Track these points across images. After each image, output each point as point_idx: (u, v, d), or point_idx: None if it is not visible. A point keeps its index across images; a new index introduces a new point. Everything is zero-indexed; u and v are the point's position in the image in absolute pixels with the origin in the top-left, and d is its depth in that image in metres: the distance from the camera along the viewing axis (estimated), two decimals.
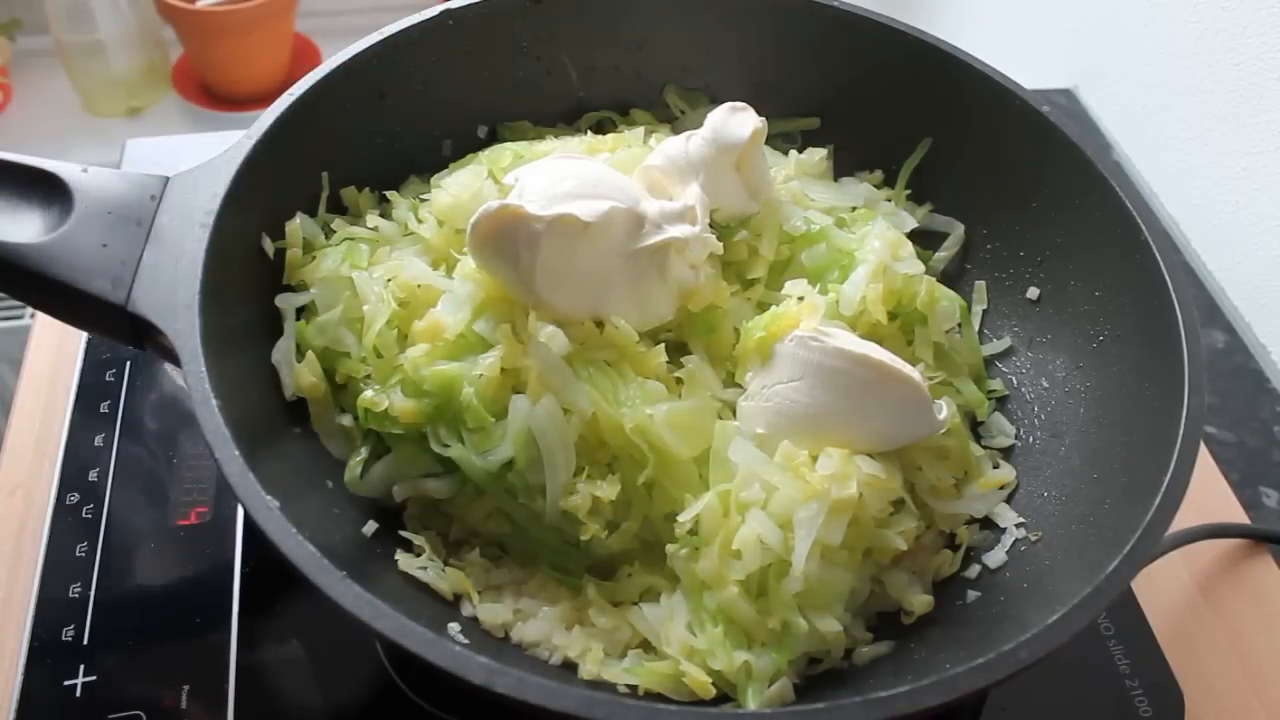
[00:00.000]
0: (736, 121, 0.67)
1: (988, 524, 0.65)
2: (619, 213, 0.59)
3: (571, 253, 0.59)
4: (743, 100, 0.70)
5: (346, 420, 0.63)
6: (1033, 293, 0.72)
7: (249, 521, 0.48)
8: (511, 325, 0.59)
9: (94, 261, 0.55)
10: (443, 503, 0.61)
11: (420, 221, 0.68)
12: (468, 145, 0.77)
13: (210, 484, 0.75)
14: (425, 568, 0.58)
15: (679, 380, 0.62)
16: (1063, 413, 0.66)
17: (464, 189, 0.67)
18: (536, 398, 0.57)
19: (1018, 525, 0.63)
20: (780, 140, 0.81)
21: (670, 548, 0.57)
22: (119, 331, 0.57)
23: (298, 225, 0.66)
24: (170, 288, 0.55)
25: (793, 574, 0.54)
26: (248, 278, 0.63)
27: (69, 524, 0.72)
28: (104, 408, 0.79)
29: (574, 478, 0.57)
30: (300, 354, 0.63)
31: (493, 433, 0.57)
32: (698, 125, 0.69)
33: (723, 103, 0.70)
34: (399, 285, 0.63)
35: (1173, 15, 1.11)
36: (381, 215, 0.70)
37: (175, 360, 0.52)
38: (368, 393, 0.60)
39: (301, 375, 0.62)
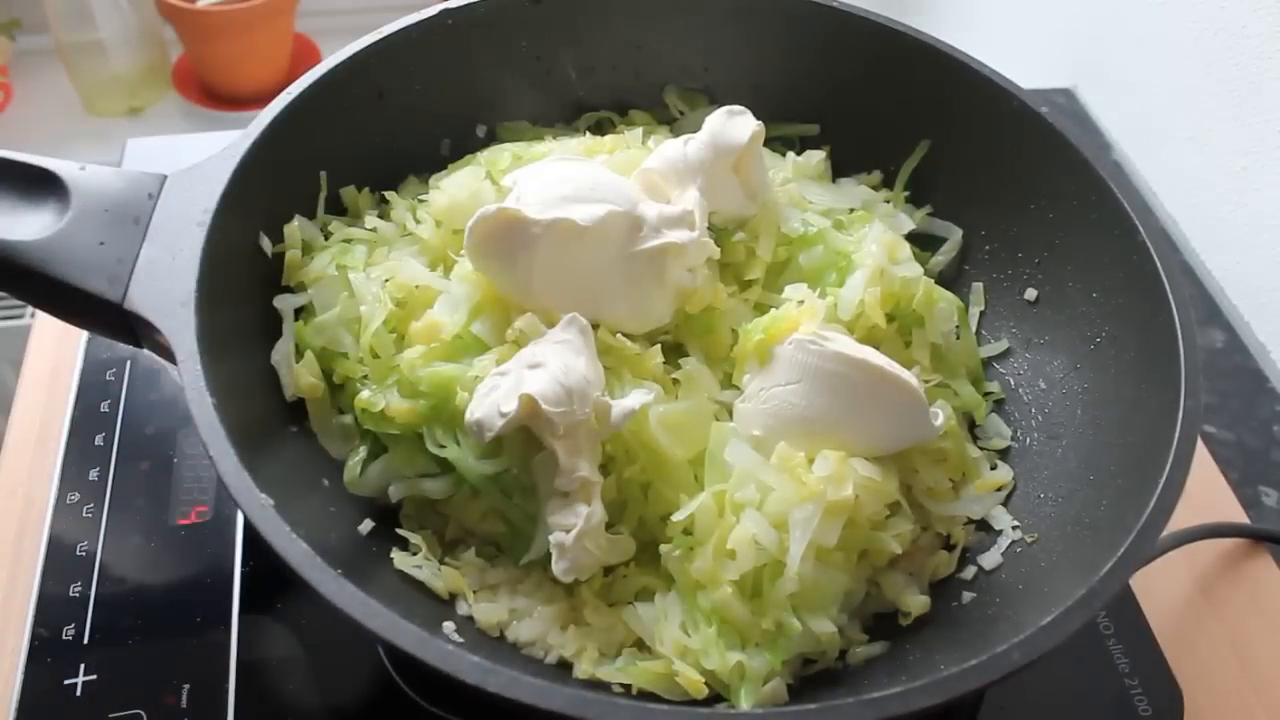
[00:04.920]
0: (735, 125, 0.67)
1: (984, 525, 0.65)
2: (616, 216, 0.59)
3: (569, 256, 0.59)
4: (742, 100, 0.70)
5: (346, 420, 0.63)
6: (1030, 294, 0.72)
7: (249, 520, 0.48)
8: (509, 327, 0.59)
9: (91, 259, 0.56)
10: (439, 502, 0.61)
11: (418, 222, 0.68)
12: (466, 145, 0.77)
13: (210, 483, 0.75)
14: (421, 566, 0.58)
15: (676, 381, 0.62)
16: (1060, 414, 0.66)
17: (462, 190, 0.68)
18: None
19: (1014, 527, 0.63)
20: (778, 142, 0.81)
21: (664, 548, 0.57)
22: (116, 329, 0.57)
23: (296, 227, 0.66)
24: (167, 286, 0.55)
25: (787, 575, 0.54)
26: (246, 277, 0.63)
27: (69, 524, 0.72)
28: (104, 407, 0.79)
29: None
30: (299, 354, 0.63)
31: None
32: (697, 126, 0.69)
33: (722, 103, 0.70)
34: (396, 286, 0.63)
35: (1173, 15, 1.10)
36: (380, 216, 0.71)
37: (172, 358, 0.52)
38: (364, 393, 0.60)
39: (300, 376, 0.62)
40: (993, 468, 0.67)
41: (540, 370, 0.54)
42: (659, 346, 0.62)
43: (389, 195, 0.73)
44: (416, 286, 0.64)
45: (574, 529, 0.54)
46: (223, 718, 0.63)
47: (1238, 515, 0.81)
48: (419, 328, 0.61)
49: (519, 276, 0.59)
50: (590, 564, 0.56)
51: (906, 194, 0.78)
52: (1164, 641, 0.71)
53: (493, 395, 0.54)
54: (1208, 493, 0.82)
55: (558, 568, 0.55)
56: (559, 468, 0.54)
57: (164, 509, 0.73)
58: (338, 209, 0.72)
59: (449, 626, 0.55)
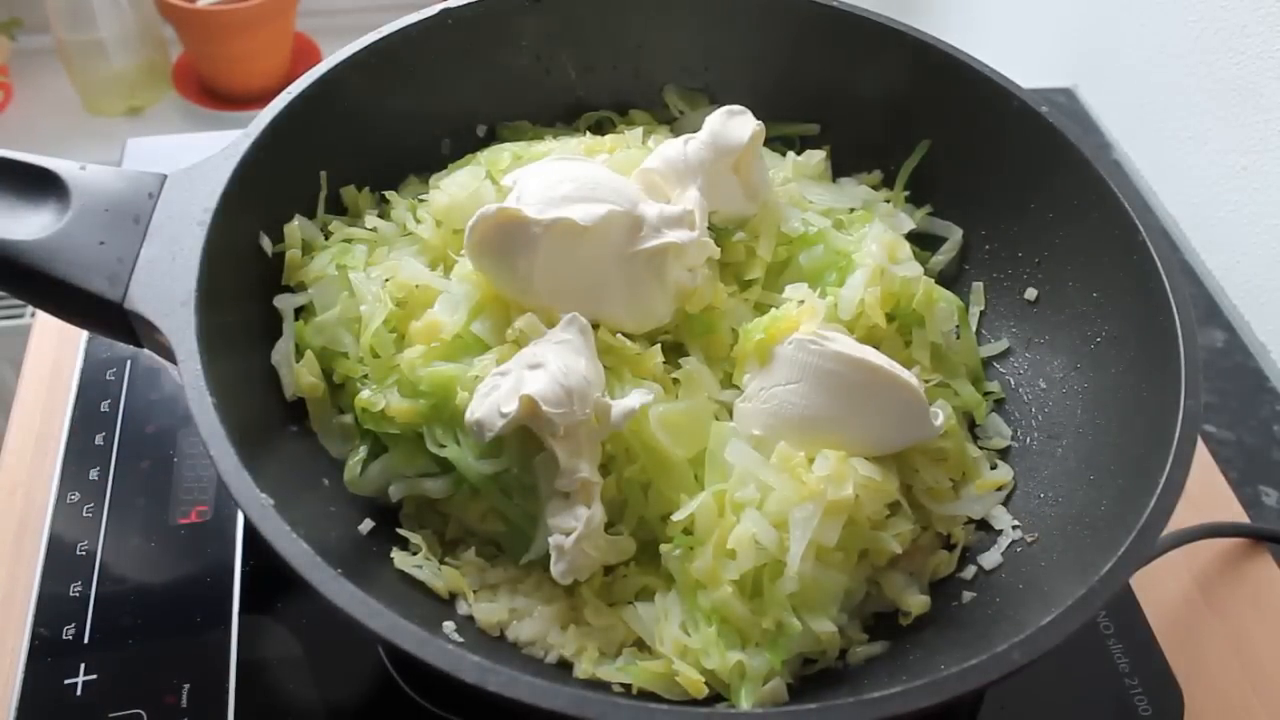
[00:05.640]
0: (735, 125, 0.67)
1: (984, 525, 0.65)
2: (617, 216, 0.59)
3: (569, 256, 0.59)
4: (742, 100, 0.70)
5: (346, 419, 0.63)
6: (1031, 293, 0.72)
7: (249, 520, 0.48)
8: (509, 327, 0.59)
9: (91, 259, 0.56)
10: (439, 502, 0.61)
11: (418, 222, 0.68)
12: (466, 144, 0.77)
13: (211, 482, 0.75)
14: (421, 566, 0.58)
15: (676, 381, 0.62)
16: (1060, 414, 0.66)
17: (462, 190, 0.68)
18: None
19: (1014, 527, 0.63)
20: (778, 142, 0.81)
21: (665, 547, 0.57)
22: (116, 329, 0.57)
23: (296, 226, 0.66)
24: (167, 285, 0.55)
25: (787, 574, 0.54)
26: (246, 276, 0.63)
27: (69, 523, 0.72)
28: (104, 407, 0.79)
29: None
30: (299, 354, 0.63)
31: None
32: (697, 126, 0.69)
33: (722, 103, 0.70)
34: (396, 285, 0.63)
35: (1173, 15, 1.10)
36: (380, 215, 0.71)
37: (172, 358, 0.52)
38: (364, 393, 0.60)
39: (301, 375, 0.62)
40: (993, 467, 0.67)
41: (540, 371, 0.54)
42: (659, 346, 0.62)
43: (389, 195, 0.73)
44: (417, 286, 0.63)
45: (574, 532, 0.54)
46: (223, 718, 0.63)
47: (1238, 515, 0.81)
48: (419, 327, 0.61)
49: (519, 276, 0.59)
50: (589, 566, 0.56)
51: (906, 194, 0.78)
52: (1164, 641, 0.71)
53: (493, 395, 0.54)
54: (1208, 492, 0.82)
55: (556, 570, 0.55)
56: (559, 468, 0.54)
57: (164, 509, 0.73)
58: (338, 209, 0.72)
59: (449, 626, 0.55)
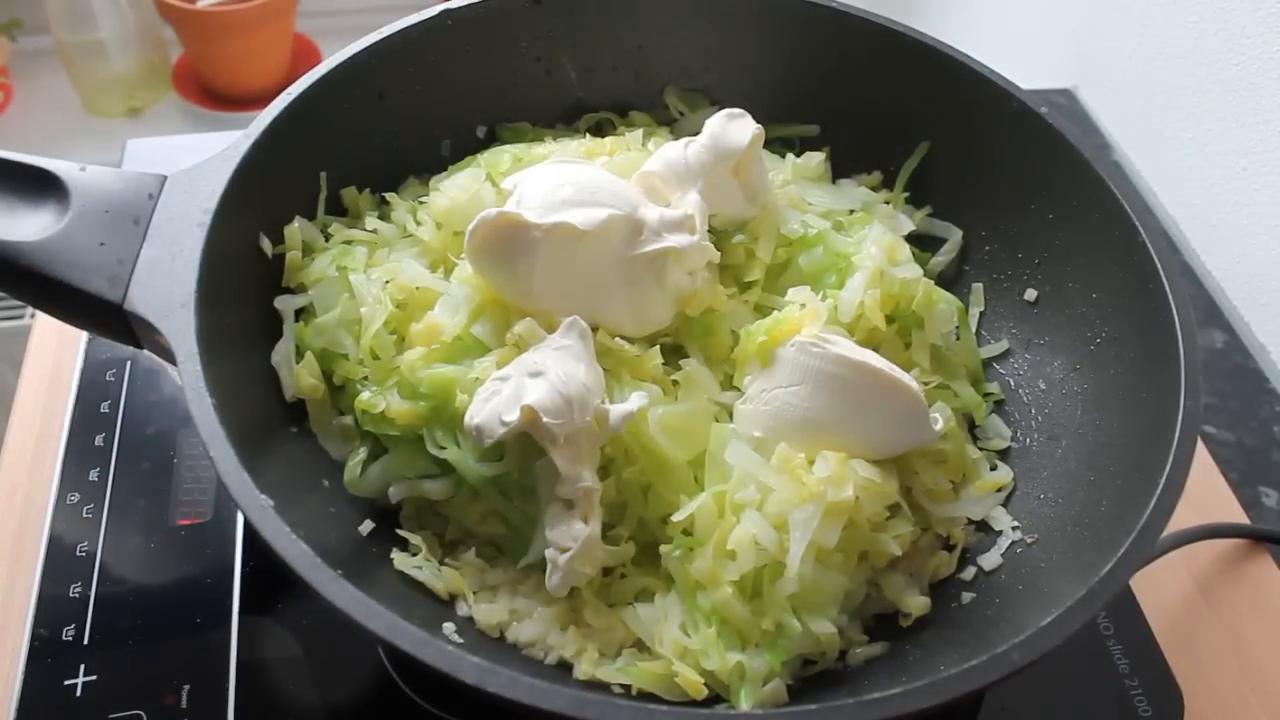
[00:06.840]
0: (735, 128, 0.67)
1: (984, 526, 0.65)
2: (617, 220, 0.59)
3: (569, 259, 0.59)
4: (742, 101, 0.70)
5: (346, 421, 0.63)
6: (1030, 294, 0.72)
7: (248, 520, 0.48)
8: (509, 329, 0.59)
9: (91, 260, 0.56)
10: (439, 503, 0.61)
11: (419, 224, 0.69)
12: (467, 145, 0.77)
13: (211, 483, 0.75)
14: (421, 567, 0.58)
15: (676, 383, 0.62)
16: (1060, 415, 0.66)
17: (462, 192, 0.68)
18: None
19: (1014, 528, 0.63)
20: (778, 143, 0.81)
21: (664, 548, 0.57)
22: (116, 330, 0.57)
23: (296, 228, 0.66)
24: (167, 286, 0.55)
25: (787, 575, 0.54)
26: (246, 278, 0.63)
27: (69, 524, 0.72)
28: (104, 408, 0.79)
29: None
30: (299, 355, 0.63)
31: None
32: (697, 127, 0.69)
33: (722, 104, 0.70)
34: (396, 287, 0.63)
35: (1173, 15, 1.11)
36: (380, 217, 0.71)
37: (172, 359, 0.52)
38: (365, 394, 0.60)
39: (301, 377, 0.62)
40: (993, 468, 0.67)
41: (540, 379, 0.54)
42: (658, 348, 0.62)
43: (389, 196, 0.73)
44: (417, 288, 0.64)
45: (569, 551, 0.54)
46: (223, 718, 0.63)
47: (1238, 515, 0.81)
48: (419, 329, 0.61)
49: (519, 280, 0.59)
50: (584, 579, 0.56)
51: (906, 194, 0.78)
52: (1164, 641, 0.71)
53: (493, 401, 0.54)
54: (1208, 493, 0.82)
55: (551, 583, 0.55)
56: (560, 476, 0.54)
57: (164, 509, 0.73)
58: (338, 210, 0.72)
59: (449, 627, 0.55)
